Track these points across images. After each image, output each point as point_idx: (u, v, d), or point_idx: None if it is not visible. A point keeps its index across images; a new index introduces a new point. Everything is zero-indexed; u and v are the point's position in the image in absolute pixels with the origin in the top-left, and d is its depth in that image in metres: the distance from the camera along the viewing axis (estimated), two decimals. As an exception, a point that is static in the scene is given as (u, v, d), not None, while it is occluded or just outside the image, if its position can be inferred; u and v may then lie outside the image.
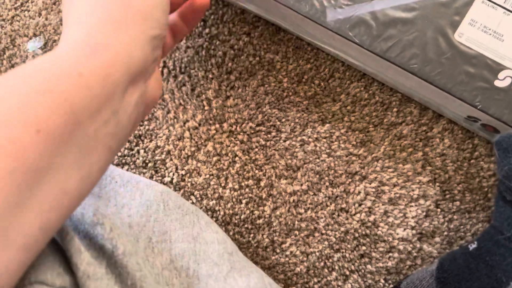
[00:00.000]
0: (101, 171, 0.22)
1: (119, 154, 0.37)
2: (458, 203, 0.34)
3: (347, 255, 0.35)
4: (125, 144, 0.25)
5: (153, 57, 0.26)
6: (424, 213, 0.35)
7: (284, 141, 0.37)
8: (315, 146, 0.36)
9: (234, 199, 0.37)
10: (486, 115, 0.30)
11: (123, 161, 0.38)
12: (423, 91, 0.32)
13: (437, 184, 0.35)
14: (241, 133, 0.37)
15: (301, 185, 0.36)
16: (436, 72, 0.30)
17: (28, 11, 0.40)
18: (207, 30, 0.38)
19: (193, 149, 0.37)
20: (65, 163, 0.19)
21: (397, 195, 0.35)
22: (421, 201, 0.34)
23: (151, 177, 0.37)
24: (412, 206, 0.35)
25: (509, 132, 0.29)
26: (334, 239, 0.36)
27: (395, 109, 0.36)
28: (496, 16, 0.30)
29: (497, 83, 0.29)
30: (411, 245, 0.35)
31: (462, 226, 0.34)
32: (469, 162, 0.35)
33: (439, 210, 0.35)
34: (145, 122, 0.38)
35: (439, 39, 0.30)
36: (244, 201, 0.36)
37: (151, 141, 0.38)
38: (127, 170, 0.37)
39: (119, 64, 0.22)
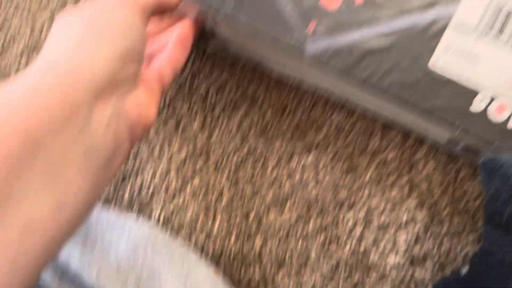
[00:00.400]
0: (79, 197, 0.20)
1: (104, 194, 0.37)
2: (447, 226, 0.34)
3: (340, 285, 0.35)
4: (114, 172, 0.24)
5: (126, 72, 0.25)
6: (414, 238, 0.35)
7: (271, 172, 0.37)
8: (302, 176, 0.36)
9: (223, 235, 0.36)
10: (466, 138, 0.31)
11: (108, 200, 0.37)
12: (404, 117, 0.33)
13: (425, 208, 0.35)
14: (228, 166, 0.37)
15: (290, 216, 0.36)
16: (415, 98, 0.30)
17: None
18: (189, 66, 0.38)
19: (179, 184, 0.37)
20: (30, 190, 0.18)
21: (386, 221, 0.35)
22: (410, 226, 0.35)
23: (138, 215, 0.37)
24: (401, 231, 0.35)
25: (493, 154, 0.30)
26: (326, 270, 0.35)
27: (378, 136, 0.36)
28: (468, 42, 0.31)
29: (473, 107, 0.30)
30: (403, 272, 0.35)
31: (452, 249, 0.35)
32: (455, 184, 0.35)
33: (428, 234, 0.35)
34: (130, 159, 0.38)
35: (416, 66, 0.31)
36: (233, 236, 0.36)
37: (136, 178, 0.37)
38: (113, 209, 0.37)
39: (81, 80, 0.21)
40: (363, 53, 0.31)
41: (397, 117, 0.34)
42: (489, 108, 0.30)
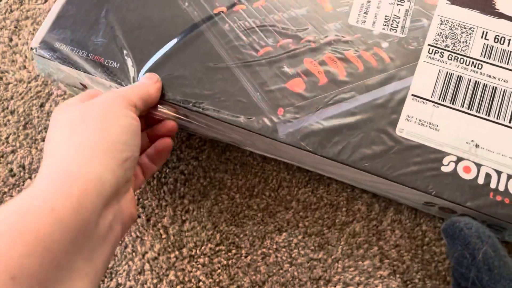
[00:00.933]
0: None
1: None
2: None
3: None
4: (105, 270, 0.25)
5: (125, 178, 0.27)
6: None
7: (245, 256, 0.37)
8: (276, 257, 0.37)
9: (203, 330, 0.36)
10: (441, 199, 0.32)
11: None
12: (379, 185, 0.34)
13: (398, 275, 0.36)
14: (202, 256, 0.37)
15: None
16: (387, 167, 0.32)
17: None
18: (155, 160, 0.39)
19: (155, 281, 0.36)
20: None
21: None
22: None
23: (114, 318, 0.36)
24: None
25: (452, 219, 0.32)
26: None
27: (344, 209, 0.38)
28: (427, 110, 0.33)
29: (444, 168, 0.32)
30: None
31: (430, 314, 0.35)
32: (422, 248, 0.36)
33: None
34: (103, 260, 0.37)
35: (383, 137, 0.33)
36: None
37: (111, 279, 0.37)
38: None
39: (91, 192, 0.23)
40: (331, 132, 0.33)
41: (373, 186, 0.35)
42: (458, 167, 0.32)
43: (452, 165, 0.32)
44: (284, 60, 0.35)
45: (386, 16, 0.36)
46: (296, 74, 0.35)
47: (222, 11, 0.37)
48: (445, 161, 0.32)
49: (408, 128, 0.33)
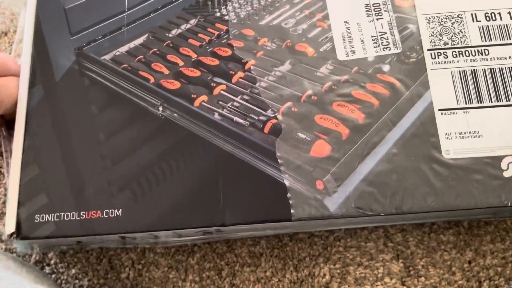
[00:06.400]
0: None
1: None
2: (423, 279, 0.33)
3: None
4: None
5: None
6: None
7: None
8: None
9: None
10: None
11: None
12: (452, 215, 0.32)
13: (400, 260, 0.34)
14: None
15: (265, 271, 0.33)
16: (454, 197, 0.29)
17: None
18: None
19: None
20: None
21: (362, 275, 0.33)
22: (387, 279, 0.33)
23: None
24: (378, 285, 0.33)
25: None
26: None
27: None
28: (460, 119, 0.31)
29: (506, 173, 0.30)
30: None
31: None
32: (429, 235, 0.34)
33: (405, 287, 0.33)
34: None
35: (435, 166, 0.30)
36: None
37: None
38: None
39: None
40: (382, 184, 0.30)
41: (448, 217, 0.33)
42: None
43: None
44: (295, 127, 0.31)
45: (372, 36, 0.33)
46: (315, 137, 0.31)
47: (203, 101, 0.32)
48: (503, 165, 0.30)
49: (452, 147, 0.30)
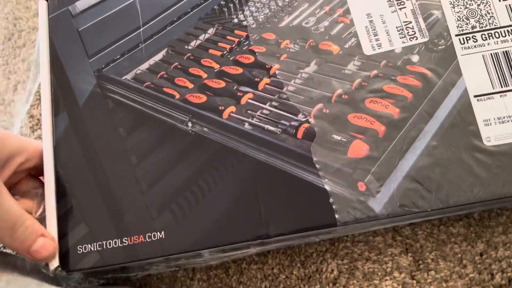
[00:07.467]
0: None
1: None
2: (433, 272, 0.32)
3: None
4: None
5: None
6: (400, 287, 0.32)
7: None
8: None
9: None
10: None
11: None
12: (499, 203, 0.31)
13: (410, 254, 0.33)
14: None
15: (272, 268, 0.33)
16: (500, 184, 0.29)
17: None
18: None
19: None
20: None
21: (371, 269, 0.33)
22: (396, 274, 0.32)
23: None
24: (387, 280, 0.32)
25: None
26: None
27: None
28: (497, 104, 0.30)
29: None
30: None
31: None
32: (439, 228, 0.33)
33: (415, 282, 0.32)
34: None
35: (477, 155, 0.29)
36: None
37: None
38: None
39: None
40: (426, 179, 0.29)
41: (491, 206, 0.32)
42: None
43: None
44: (329, 129, 0.30)
45: (397, 27, 0.32)
46: (351, 137, 0.30)
47: (232, 112, 0.31)
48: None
49: (493, 133, 0.30)
